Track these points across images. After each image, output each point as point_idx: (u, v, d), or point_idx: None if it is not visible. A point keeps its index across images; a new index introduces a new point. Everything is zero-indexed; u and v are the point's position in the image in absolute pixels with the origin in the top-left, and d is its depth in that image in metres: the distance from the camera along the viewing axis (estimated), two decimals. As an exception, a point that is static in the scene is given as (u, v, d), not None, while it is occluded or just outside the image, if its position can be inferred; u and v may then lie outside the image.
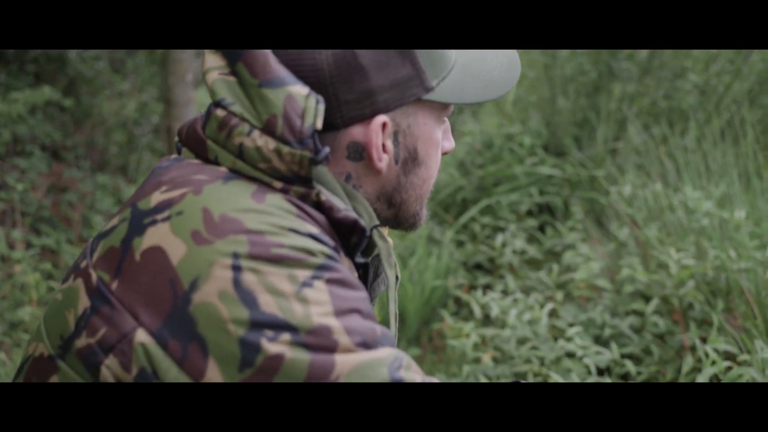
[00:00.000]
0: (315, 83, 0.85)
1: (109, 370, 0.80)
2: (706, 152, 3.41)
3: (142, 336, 0.78)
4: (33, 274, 3.21)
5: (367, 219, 0.92)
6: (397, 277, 0.98)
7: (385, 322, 0.99)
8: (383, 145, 0.91)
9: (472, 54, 0.98)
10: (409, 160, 0.94)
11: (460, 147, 4.27)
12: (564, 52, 4.33)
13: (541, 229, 3.92)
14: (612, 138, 4.13)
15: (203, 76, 0.90)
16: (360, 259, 0.94)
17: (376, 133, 0.89)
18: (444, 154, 1.01)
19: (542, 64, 4.46)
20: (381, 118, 0.88)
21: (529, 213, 3.99)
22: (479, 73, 0.96)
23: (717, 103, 3.95)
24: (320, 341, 0.76)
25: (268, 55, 0.85)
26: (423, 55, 0.90)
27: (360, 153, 0.90)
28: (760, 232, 2.56)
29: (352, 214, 0.87)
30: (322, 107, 0.83)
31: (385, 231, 1.03)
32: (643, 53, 4.20)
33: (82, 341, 0.81)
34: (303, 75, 0.85)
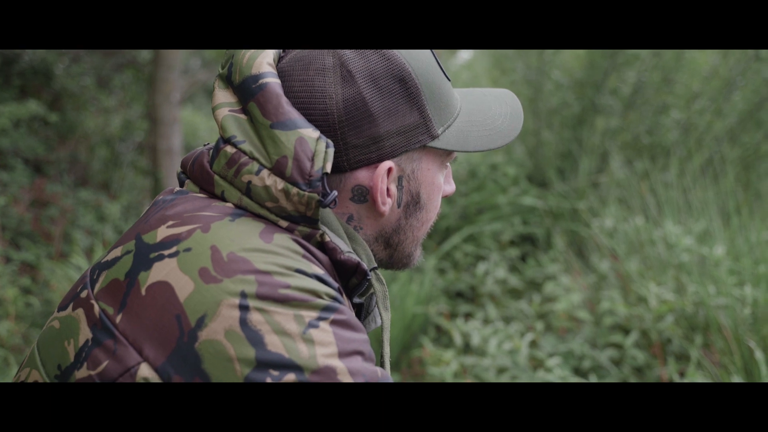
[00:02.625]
0: (324, 126, 0.87)
1: None
2: (686, 188, 3.46)
3: (145, 371, 0.78)
4: (11, 289, 3.19)
5: (366, 261, 0.93)
6: None
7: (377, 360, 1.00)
8: (387, 189, 0.92)
9: (476, 103, 1.00)
10: (411, 204, 0.96)
11: (444, 174, 4.28)
12: (548, 86, 4.38)
13: (523, 258, 3.94)
14: (594, 171, 4.18)
15: (212, 111, 0.90)
16: (357, 300, 0.95)
17: (382, 178, 0.90)
18: (444, 197, 1.02)
19: (527, 97, 4.51)
20: (387, 164, 0.90)
21: (512, 242, 4.02)
22: (483, 122, 0.98)
23: (698, 140, 4.01)
24: (324, 382, 0.77)
25: (281, 96, 0.86)
26: (430, 103, 0.91)
27: (364, 196, 0.92)
28: (739, 269, 2.59)
29: (355, 257, 0.88)
30: (331, 151, 0.84)
31: None
32: (627, 89, 4.26)
33: (82, 372, 0.81)
34: (313, 118, 0.87)
